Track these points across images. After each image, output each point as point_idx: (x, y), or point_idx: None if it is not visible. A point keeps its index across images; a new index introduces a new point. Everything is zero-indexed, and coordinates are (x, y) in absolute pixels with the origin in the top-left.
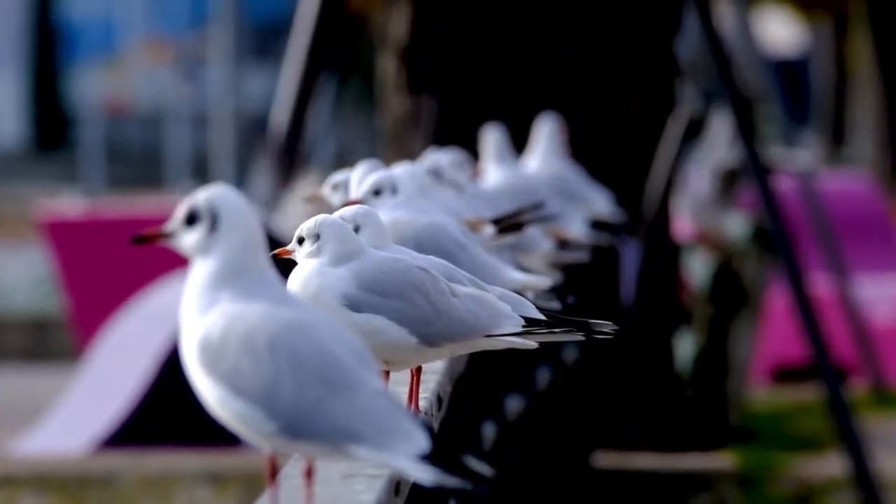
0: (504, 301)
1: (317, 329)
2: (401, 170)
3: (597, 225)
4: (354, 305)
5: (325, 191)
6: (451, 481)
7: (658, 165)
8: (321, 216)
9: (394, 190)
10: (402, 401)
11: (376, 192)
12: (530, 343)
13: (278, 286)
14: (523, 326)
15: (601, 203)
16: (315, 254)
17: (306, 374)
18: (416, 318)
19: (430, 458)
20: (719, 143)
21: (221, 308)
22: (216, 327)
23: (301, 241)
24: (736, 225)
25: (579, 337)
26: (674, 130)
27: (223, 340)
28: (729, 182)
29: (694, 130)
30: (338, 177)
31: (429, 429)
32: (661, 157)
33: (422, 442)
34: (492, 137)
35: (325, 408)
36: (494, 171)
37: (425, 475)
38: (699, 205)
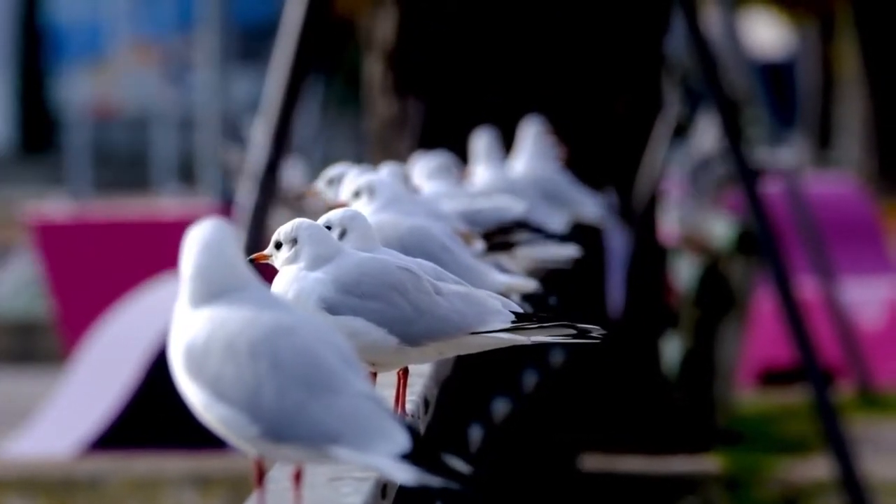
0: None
1: (299, 332)
2: (383, 172)
3: (580, 228)
4: (332, 308)
5: (320, 186)
6: (432, 481)
7: (645, 168)
8: (298, 220)
9: (371, 192)
10: (385, 402)
11: (356, 195)
12: (520, 339)
13: (267, 291)
14: (512, 322)
15: (589, 206)
16: (293, 258)
17: (287, 377)
18: (396, 319)
19: (412, 458)
20: (705, 146)
21: (206, 313)
22: (201, 332)
23: (278, 245)
24: (721, 228)
25: (570, 332)
26: (661, 133)
27: (206, 346)
28: (713, 185)
29: (680, 133)
30: (333, 171)
31: (411, 429)
32: (649, 159)
33: (403, 442)
34: (481, 140)
35: (306, 411)
36: (482, 174)
37: (406, 475)
38: (684, 208)
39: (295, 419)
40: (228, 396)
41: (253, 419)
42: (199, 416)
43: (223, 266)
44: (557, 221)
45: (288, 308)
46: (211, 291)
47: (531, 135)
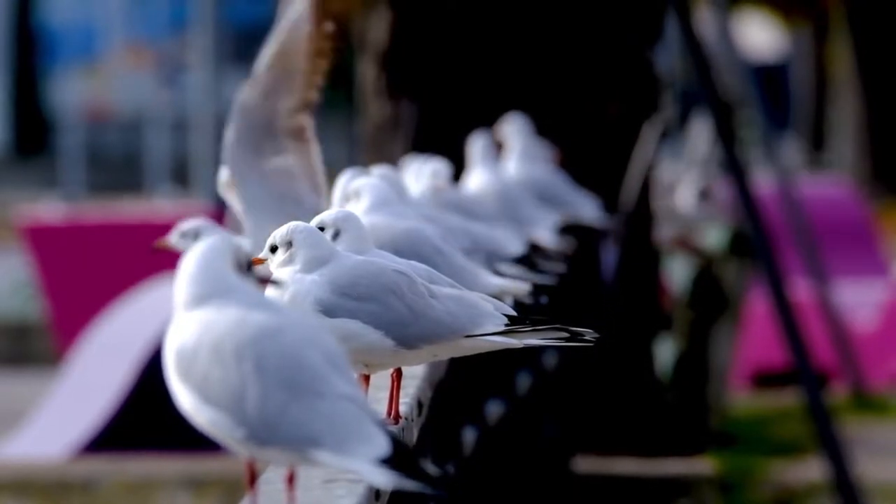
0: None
1: (286, 334)
2: (375, 175)
3: (576, 230)
4: (329, 311)
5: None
6: (410, 485)
7: (633, 170)
8: (293, 223)
9: (358, 196)
10: (368, 405)
11: (346, 199)
12: (513, 342)
13: (259, 293)
14: (506, 325)
15: (586, 208)
16: (288, 262)
17: (271, 380)
18: (391, 321)
19: (391, 462)
20: (700, 150)
21: (197, 315)
22: (190, 335)
23: (274, 249)
24: (715, 230)
25: (564, 335)
26: (649, 135)
27: (195, 349)
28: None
29: (665, 135)
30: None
31: (391, 433)
32: (637, 162)
33: (382, 446)
34: (478, 143)
35: (289, 414)
36: (478, 177)
37: (383, 479)
38: (677, 211)
39: (277, 422)
40: (215, 399)
41: (238, 422)
42: (191, 418)
43: (217, 270)
44: (544, 224)
45: (278, 310)
46: (204, 294)
47: (519, 133)
